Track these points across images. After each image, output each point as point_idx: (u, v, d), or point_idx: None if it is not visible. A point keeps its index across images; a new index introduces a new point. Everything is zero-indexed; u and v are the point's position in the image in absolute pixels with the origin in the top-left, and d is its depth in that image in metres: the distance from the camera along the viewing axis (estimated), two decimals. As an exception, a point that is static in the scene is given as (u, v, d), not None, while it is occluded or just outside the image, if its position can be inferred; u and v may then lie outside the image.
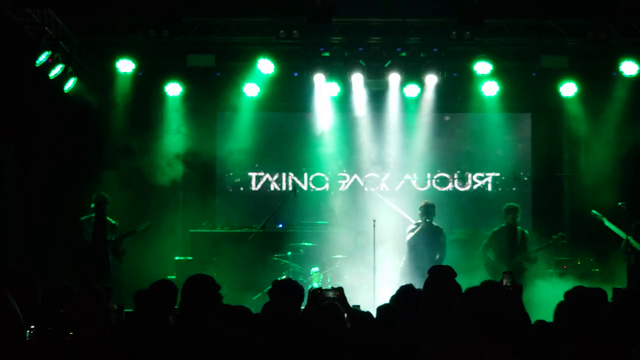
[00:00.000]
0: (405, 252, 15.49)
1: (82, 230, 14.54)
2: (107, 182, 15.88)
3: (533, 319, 7.26)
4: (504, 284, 7.29)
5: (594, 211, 14.55)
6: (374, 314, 8.62)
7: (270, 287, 14.14)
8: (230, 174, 18.11)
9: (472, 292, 4.93)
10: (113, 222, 14.59)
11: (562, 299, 6.66)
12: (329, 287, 14.26)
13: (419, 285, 13.09)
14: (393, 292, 8.97)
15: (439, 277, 6.62)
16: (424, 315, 6.45)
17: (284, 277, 15.44)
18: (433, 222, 15.42)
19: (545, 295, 13.18)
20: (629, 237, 13.84)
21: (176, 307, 6.81)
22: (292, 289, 7.41)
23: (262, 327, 6.75)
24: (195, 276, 6.59)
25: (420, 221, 15.43)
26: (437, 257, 15.21)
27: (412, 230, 15.41)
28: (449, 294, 6.47)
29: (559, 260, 16.09)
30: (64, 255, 15.05)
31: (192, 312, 6.36)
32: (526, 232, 14.96)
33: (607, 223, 14.26)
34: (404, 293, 7.33)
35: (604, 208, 15.07)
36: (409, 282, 14.30)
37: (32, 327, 5.70)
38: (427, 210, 15.32)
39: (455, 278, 6.67)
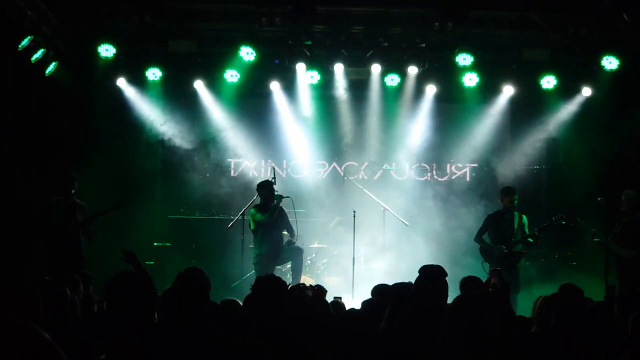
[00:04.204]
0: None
1: (52, 213, 13.90)
2: (86, 167, 15.75)
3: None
4: (492, 282, 7.24)
5: (596, 239, 13.61)
6: (355, 307, 8.65)
7: (248, 274, 14.19)
8: (210, 159, 17.98)
9: (460, 306, 5.27)
10: (82, 203, 14.19)
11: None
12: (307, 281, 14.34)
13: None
14: (371, 283, 8.97)
15: (430, 276, 6.64)
16: (415, 315, 6.46)
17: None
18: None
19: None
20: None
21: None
22: (276, 285, 7.36)
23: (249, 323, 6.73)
24: (187, 273, 6.58)
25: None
26: (288, 232, 14.86)
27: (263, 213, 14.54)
28: (439, 293, 6.53)
29: (536, 253, 16.20)
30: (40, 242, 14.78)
31: (181, 310, 6.24)
32: (524, 216, 14.36)
33: (611, 245, 13.54)
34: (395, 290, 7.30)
35: (582, 202, 15.15)
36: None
37: None
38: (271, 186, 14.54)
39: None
